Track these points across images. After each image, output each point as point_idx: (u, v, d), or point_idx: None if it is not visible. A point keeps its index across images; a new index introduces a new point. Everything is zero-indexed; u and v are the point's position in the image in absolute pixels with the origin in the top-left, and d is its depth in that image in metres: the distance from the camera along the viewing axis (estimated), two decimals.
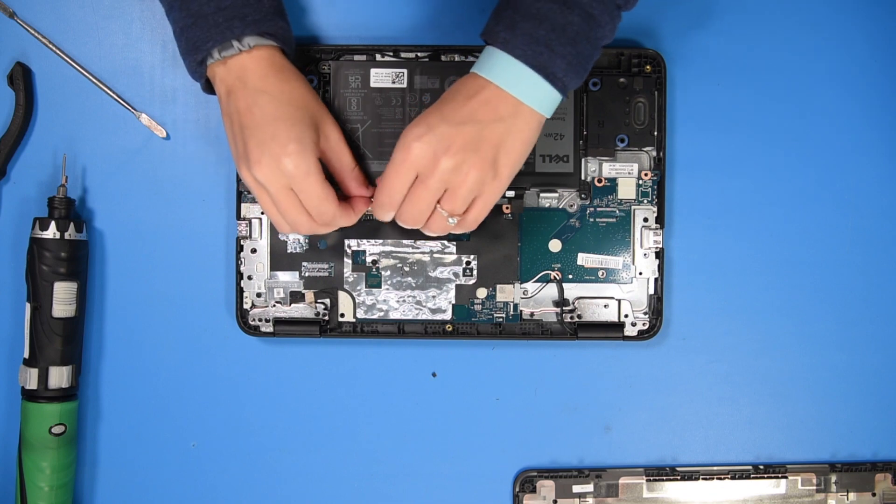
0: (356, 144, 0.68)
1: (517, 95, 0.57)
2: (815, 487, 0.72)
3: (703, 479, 0.72)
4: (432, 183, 0.58)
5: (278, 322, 0.70)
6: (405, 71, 0.68)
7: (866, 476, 0.73)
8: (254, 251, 0.70)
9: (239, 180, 0.70)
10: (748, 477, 0.72)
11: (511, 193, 0.69)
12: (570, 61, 0.57)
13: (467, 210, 0.60)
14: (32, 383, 0.68)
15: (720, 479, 0.72)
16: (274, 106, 0.60)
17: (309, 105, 0.62)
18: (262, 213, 0.70)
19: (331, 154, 0.63)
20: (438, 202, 0.59)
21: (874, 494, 0.73)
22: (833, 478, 0.72)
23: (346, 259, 0.70)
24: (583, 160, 0.70)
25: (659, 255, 0.71)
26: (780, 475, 0.72)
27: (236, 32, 0.59)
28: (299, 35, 0.71)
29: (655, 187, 0.70)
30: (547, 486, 0.71)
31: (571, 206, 0.71)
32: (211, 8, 0.59)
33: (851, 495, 0.72)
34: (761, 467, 0.72)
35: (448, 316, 0.70)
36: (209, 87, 0.63)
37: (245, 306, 0.70)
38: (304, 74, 0.69)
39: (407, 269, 0.70)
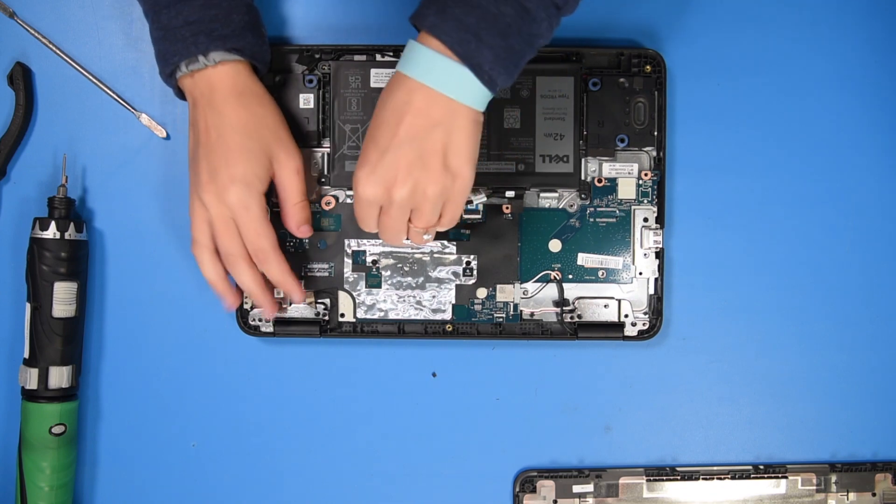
0: (356, 145, 0.68)
1: (447, 93, 0.55)
2: (815, 487, 0.72)
3: (703, 479, 0.72)
4: (394, 212, 0.58)
5: (278, 322, 0.70)
6: None
7: (866, 476, 0.73)
8: None
9: None
10: (748, 477, 0.72)
11: (511, 193, 0.69)
12: (497, 54, 0.55)
13: (440, 216, 0.60)
14: (32, 383, 0.68)
15: (720, 479, 0.72)
16: (230, 134, 0.61)
17: (266, 134, 0.63)
18: None
19: (280, 182, 0.64)
20: (410, 220, 0.59)
21: (874, 494, 0.73)
22: (833, 478, 0.72)
23: (346, 259, 0.70)
24: (583, 160, 0.70)
25: (659, 255, 0.71)
26: (780, 475, 0.72)
27: (202, 48, 0.60)
28: (299, 35, 0.71)
29: (655, 187, 0.70)
30: (547, 486, 0.71)
31: (571, 206, 0.71)
32: (179, 22, 0.60)
33: (851, 495, 0.72)
34: (761, 467, 0.72)
35: (448, 316, 0.70)
36: (181, 94, 0.64)
37: (245, 306, 0.70)
38: (305, 74, 0.69)
39: (407, 269, 0.70)
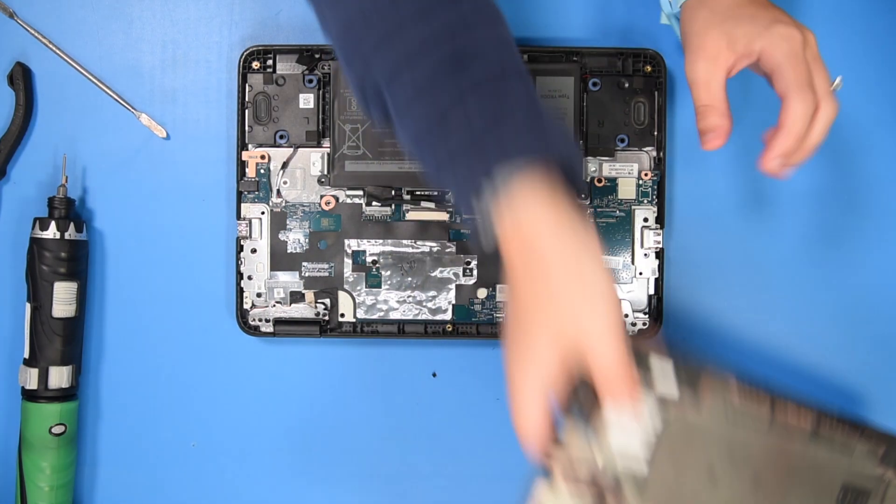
0: (356, 145, 0.68)
1: None
2: None
3: None
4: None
5: (278, 322, 0.70)
6: None
7: None
8: (254, 251, 0.70)
9: (239, 180, 0.70)
10: None
11: None
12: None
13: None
14: (32, 383, 0.68)
15: None
16: None
17: None
18: (262, 213, 0.70)
19: None
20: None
21: None
22: None
23: (346, 259, 0.70)
24: (583, 160, 0.70)
25: (659, 255, 0.71)
26: None
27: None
28: (299, 35, 0.71)
29: (655, 187, 0.70)
30: None
31: None
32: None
33: None
34: None
35: (448, 316, 0.70)
36: None
37: (245, 306, 0.70)
38: (305, 74, 0.69)
39: (407, 268, 0.70)
